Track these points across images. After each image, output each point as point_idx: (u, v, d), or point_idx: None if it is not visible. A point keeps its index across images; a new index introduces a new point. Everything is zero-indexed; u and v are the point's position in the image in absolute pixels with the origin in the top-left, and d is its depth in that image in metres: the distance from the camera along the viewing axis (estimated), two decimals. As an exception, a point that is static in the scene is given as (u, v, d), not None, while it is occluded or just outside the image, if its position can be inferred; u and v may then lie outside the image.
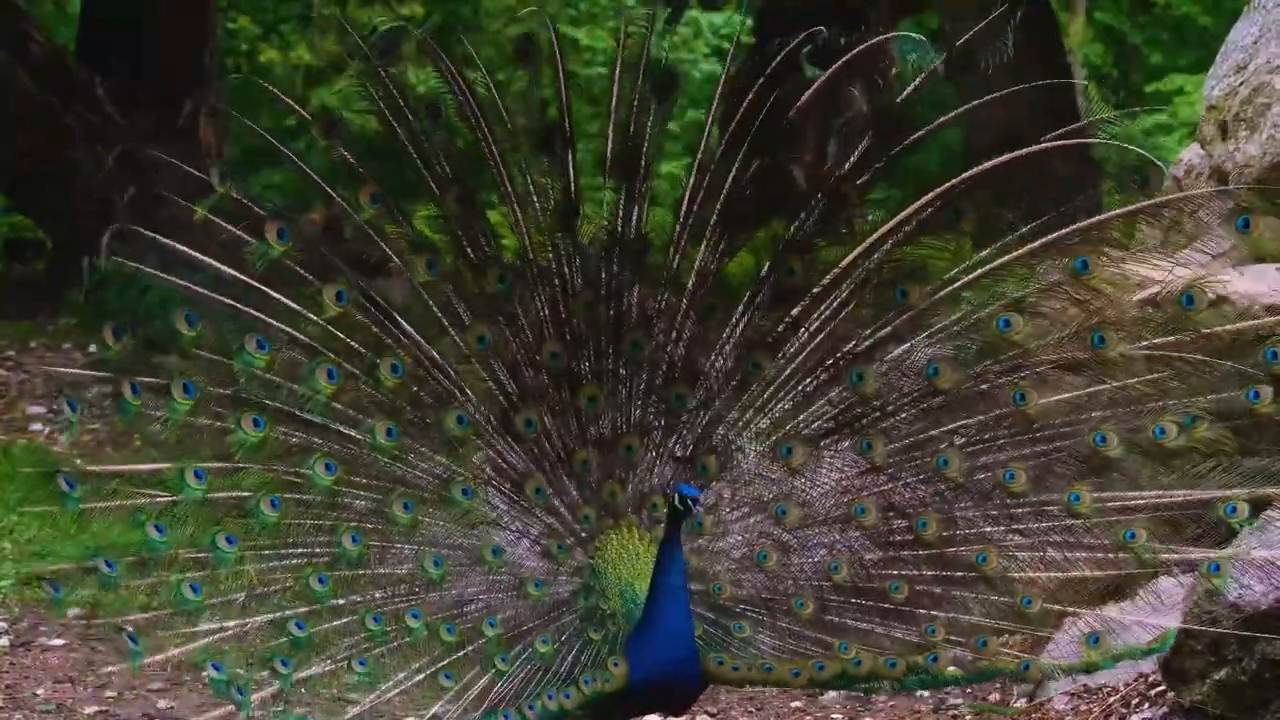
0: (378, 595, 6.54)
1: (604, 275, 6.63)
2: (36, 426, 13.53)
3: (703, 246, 6.67)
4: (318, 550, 6.55)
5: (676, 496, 6.38)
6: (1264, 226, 10.01)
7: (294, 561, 6.54)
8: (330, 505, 6.57)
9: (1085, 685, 8.04)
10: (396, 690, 6.47)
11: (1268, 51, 10.07)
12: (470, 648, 6.52)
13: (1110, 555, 6.51)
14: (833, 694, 8.70)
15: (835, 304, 6.63)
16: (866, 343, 6.62)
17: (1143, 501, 6.48)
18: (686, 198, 6.67)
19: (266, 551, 6.53)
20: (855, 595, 6.62)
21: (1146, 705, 7.66)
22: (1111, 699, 7.86)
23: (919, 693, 7.58)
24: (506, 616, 6.57)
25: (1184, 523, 6.47)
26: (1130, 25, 21.16)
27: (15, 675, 8.94)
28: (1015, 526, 6.54)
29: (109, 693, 8.77)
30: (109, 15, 17.76)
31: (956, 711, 8.53)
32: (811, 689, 6.87)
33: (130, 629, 6.51)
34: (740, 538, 6.63)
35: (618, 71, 6.63)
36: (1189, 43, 20.72)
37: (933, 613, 6.56)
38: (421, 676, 6.47)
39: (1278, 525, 6.91)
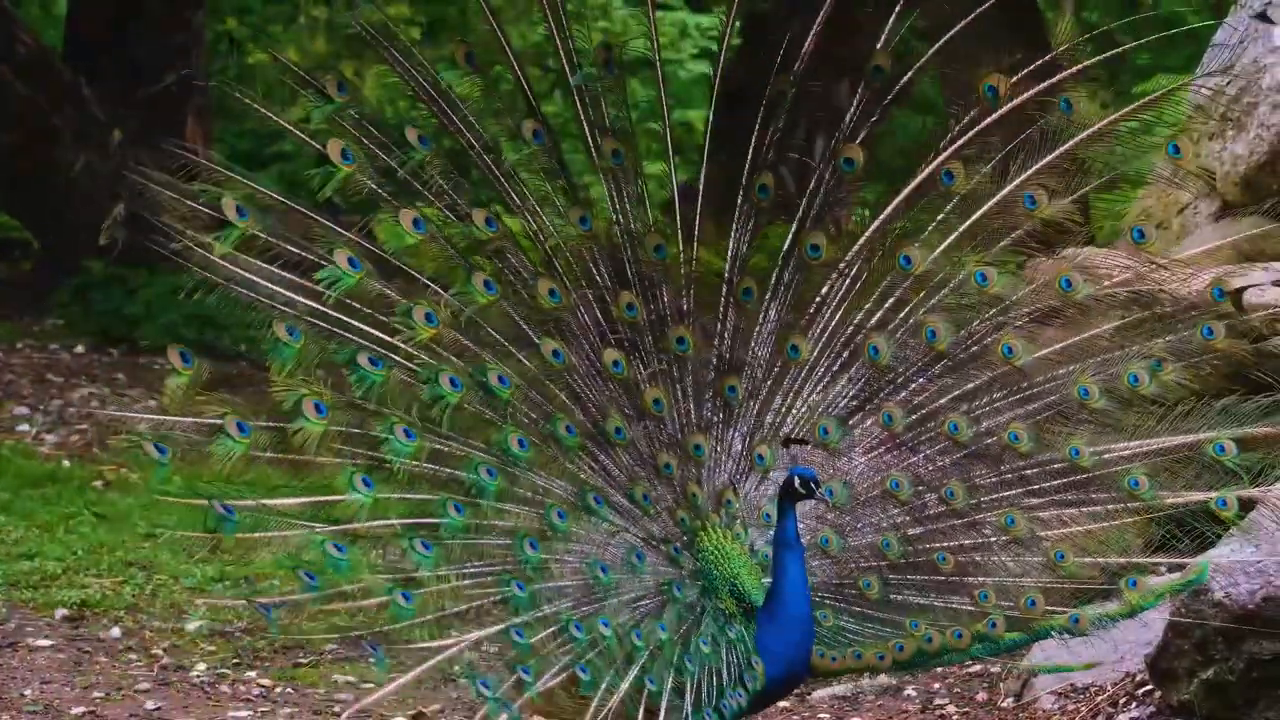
0: (566, 605, 6.57)
1: (630, 273, 6.68)
2: (23, 427, 13.51)
3: (733, 228, 6.74)
4: (506, 559, 6.56)
5: (797, 480, 6.46)
6: (1248, 225, 10.05)
7: (490, 568, 6.56)
8: (499, 514, 6.61)
9: (1073, 684, 8.05)
10: (616, 698, 6.44)
11: (1254, 51, 10.09)
12: (648, 652, 6.55)
13: (1122, 505, 6.67)
14: (821, 694, 8.71)
15: (849, 278, 6.75)
16: (878, 315, 6.74)
17: (1136, 450, 6.67)
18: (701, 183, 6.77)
19: (459, 560, 6.54)
20: (910, 571, 6.75)
21: (1134, 704, 7.67)
22: (1099, 698, 7.86)
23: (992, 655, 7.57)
24: (668, 620, 6.62)
25: (1180, 468, 6.66)
26: (1119, 24, 21.07)
27: (2, 676, 8.92)
28: (1030, 487, 6.70)
29: (96, 693, 8.76)
30: (96, 16, 17.73)
31: (943, 711, 8.54)
32: (897, 671, 7.03)
33: (375, 643, 6.41)
34: (802, 525, 6.66)
35: (608, 53, 6.70)
36: (1177, 42, 20.68)
37: (980, 579, 6.70)
38: (626, 684, 6.47)
39: (1265, 525, 6.93)
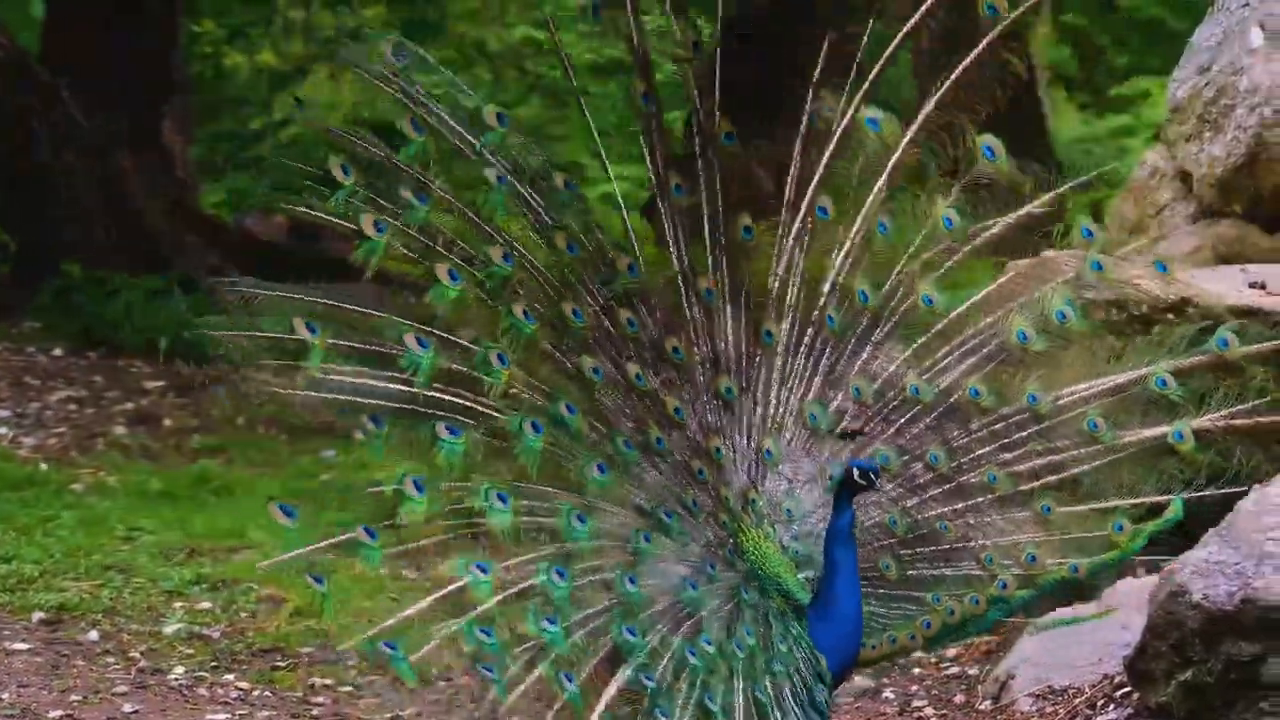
0: (665, 630, 6.57)
1: (619, 291, 6.71)
2: (1, 430, 13.50)
3: (668, 230, 6.79)
4: (611, 603, 6.56)
5: (856, 472, 6.46)
6: (1226, 226, 10.08)
7: (597, 615, 6.56)
8: (596, 554, 6.62)
9: (1050, 687, 8.06)
10: (739, 713, 6.48)
11: (1231, 53, 10.11)
12: (744, 661, 6.57)
13: (1085, 450, 6.79)
14: (799, 696, 8.71)
15: (786, 251, 6.83)
16: (828, 282, 6.82)
17: (1087, 392, 6.81)
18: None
19: (574, 620, 6.52)
20: (919, 544, 6.82)
21: (1112, 706, 7.67)
22: (1077, 700, 7.87)
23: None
24: (750, 626, 6.63)
25: (1131, 404, 6.81)
26: (1097, 26, 21.12)
27: (-20, 679, 8.92)
28: (1002, 441, 6.80)
29: (74, 696, 8.75)
30: (74, 18, 17.71)
31: (921, 714, 8.55)
32: (927, 648, 7.18)
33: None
34: (819, 514, 6.71)
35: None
36: (1157, 42, 20.73)
37: (981, 542, 6.79)
38: (740, 699, 6.50)
39: (1243, 527, 6.94)
